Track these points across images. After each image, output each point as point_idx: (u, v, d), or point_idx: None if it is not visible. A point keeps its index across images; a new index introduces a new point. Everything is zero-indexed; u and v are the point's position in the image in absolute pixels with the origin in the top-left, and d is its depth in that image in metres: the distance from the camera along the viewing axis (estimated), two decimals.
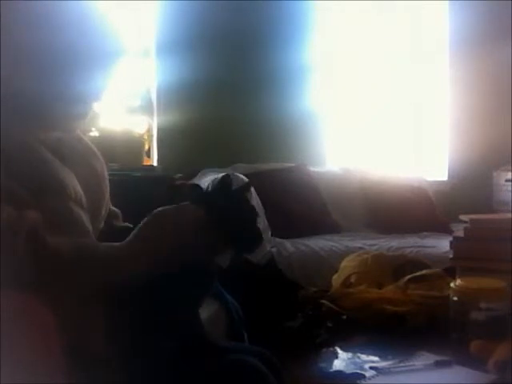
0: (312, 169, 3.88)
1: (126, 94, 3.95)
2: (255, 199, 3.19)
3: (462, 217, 1.87)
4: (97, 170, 1.40)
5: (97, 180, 1.37)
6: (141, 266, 1.17)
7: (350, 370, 1.38)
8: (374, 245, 3.16)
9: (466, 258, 1.80)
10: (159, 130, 4.15)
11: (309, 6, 4.19)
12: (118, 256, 1.16)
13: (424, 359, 1.38)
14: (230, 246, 1.32)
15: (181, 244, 1.21)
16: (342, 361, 1.49)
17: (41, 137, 1.23)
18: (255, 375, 1.35)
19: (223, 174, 1.34)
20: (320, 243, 3.21)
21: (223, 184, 1.32)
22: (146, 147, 4.06)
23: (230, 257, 1.36)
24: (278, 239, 3.20)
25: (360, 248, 2.98)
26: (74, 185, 1.23)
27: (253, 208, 1.34)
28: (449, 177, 4.16)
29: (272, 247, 3.11)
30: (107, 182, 1.43)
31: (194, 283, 1.33)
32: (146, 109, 4.06)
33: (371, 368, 1.36)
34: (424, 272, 1.83)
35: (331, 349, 1.54)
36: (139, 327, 1.26)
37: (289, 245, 3.16)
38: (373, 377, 1.32)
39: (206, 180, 3.22)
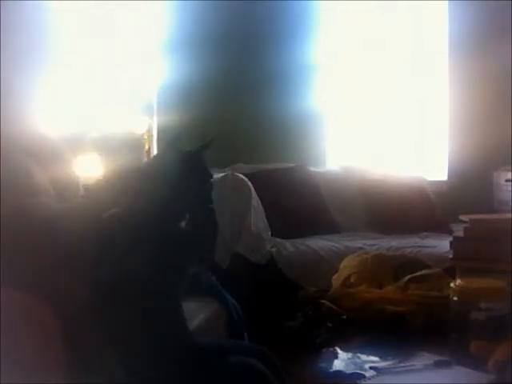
0: (312, 169, 3.88)
1: (127, 94, 3.95)
2: (255, 199, 3.19)
3: (462, 217, 1.88)
4: (67, 163, 1.53)
5: (67, 171, 1.51)
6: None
7: (349, 369, 1.39)
8: (374, 245, 3.15)
9: (466, 258, 1.80)
10: (159, 130, 4.15)
11: (313, 6, 4.19)
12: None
13: (424, 359, 1.38)
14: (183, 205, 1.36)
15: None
16: (341, 361, 1.49)
17: (18, 141, 1.29)
18: (256, 376, 1.35)
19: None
20: (320, 243, 3.21)
21: (173, 144, 1.36)
22: (146, 147, 4.06)
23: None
24: (277, 239, 3.20)
25: (360, 248, 2.97)
26: (44, 181, 1.30)
27: (205, 170, 1.38)
28: (449, 177, 4.15)
29: (272, 247, 3.11)
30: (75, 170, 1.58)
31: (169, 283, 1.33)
32: (147, 109, 4.06)
33: (371, 368, 1.36)
34: (424, 272, 1.84)
35: (331, 349, 1.54)
36: (135, 325, 1.27)
37: (289, 245, 3.16)
38: (373, 377, 1.32)
39: None
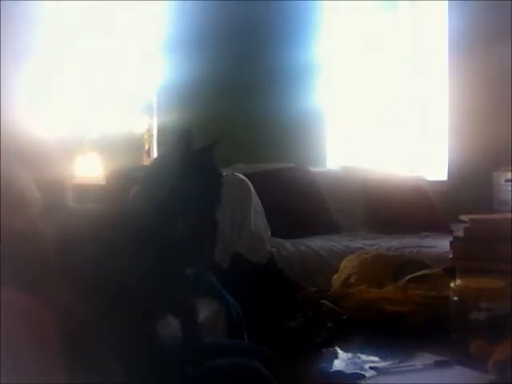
0: (312, 169, 3.88)
1: (127, 94, 3.95)
2: (255, 199, 3.19)
3: (462, 217, 1.87)
4: (56, 166, 1.50)
5: (55, 174, 1.48)
6: None
7: (349, 370, 1.38)
8: (374, 245, 3.16)
9: (466, 258, 1.80)
10: (159, 130, 4.15)
11: (314, 6, 4.19)
12: None
13: (424, 359, 1.38)
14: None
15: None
16: (341, 361, 1.49)
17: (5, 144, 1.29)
18: (257, 378, 1.35)
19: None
20: (320, 243, 3.21)
21: (180, 142, 1.35)
22: (146, 147, 4.06)
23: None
24: (277, 239, 3.20)
25: (360, 248, 2.98)
26: (31, 188, 1.30)
27: (212, 169, 1.37)
28: (449, 177, 4.15)
29: (272, 247, 3.11)
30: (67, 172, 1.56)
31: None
32: (146, 109, 4.06)
33: (371, 368, 1.36)
34: (424, 272, 1.83)
35: (331, 349, 1.54)
36: (135, 325, 1.26)
37: (289, 245, 3.15)
38: (373, 377, 1.32)
39: None
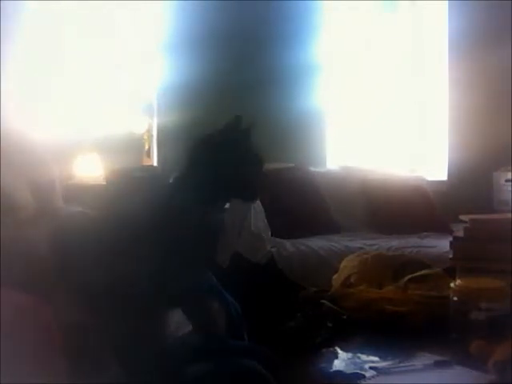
0: (312, 169, 3.88)
1: (127, 94, 3.95)
2: None
3: (462, 217, 1.87)
4: (48, 167, 1.50)
5: (47, 175, 1.48)
6: None
7: (349, 370, 1.38)
8: (374, 245, 3.16)
9: (466, 258, 1.80)
10: (159, 131, 4.15)
11: (314, 6, 4.19)
12: None
13: (424, 359, 1.37)
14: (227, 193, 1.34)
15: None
16: (341, 361, 1.49)
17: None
18: (257, 378, 1.35)
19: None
20: (320, 243, 3.21)
21: (229, 124, 1.35)
22: (146, 147, 4.06)
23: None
24: (277, 239, 3.20)
25: (360, 248, 2.98)
26: (20, 190, 1.30)
27: (254, 155, 1.36)
28: (449, 177, 4.16)
29: (272, 247, 3.11)
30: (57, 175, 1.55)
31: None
32: (146, 109, 4.06)
33: (371, 368, 1.36)
34: (424, 272, 1.83)
35: (331, 349, 1.54)
36: (135, 325, 1.26)
37: (289, 245, 3.16)
38: (373, 377, 1.31)
39: None
